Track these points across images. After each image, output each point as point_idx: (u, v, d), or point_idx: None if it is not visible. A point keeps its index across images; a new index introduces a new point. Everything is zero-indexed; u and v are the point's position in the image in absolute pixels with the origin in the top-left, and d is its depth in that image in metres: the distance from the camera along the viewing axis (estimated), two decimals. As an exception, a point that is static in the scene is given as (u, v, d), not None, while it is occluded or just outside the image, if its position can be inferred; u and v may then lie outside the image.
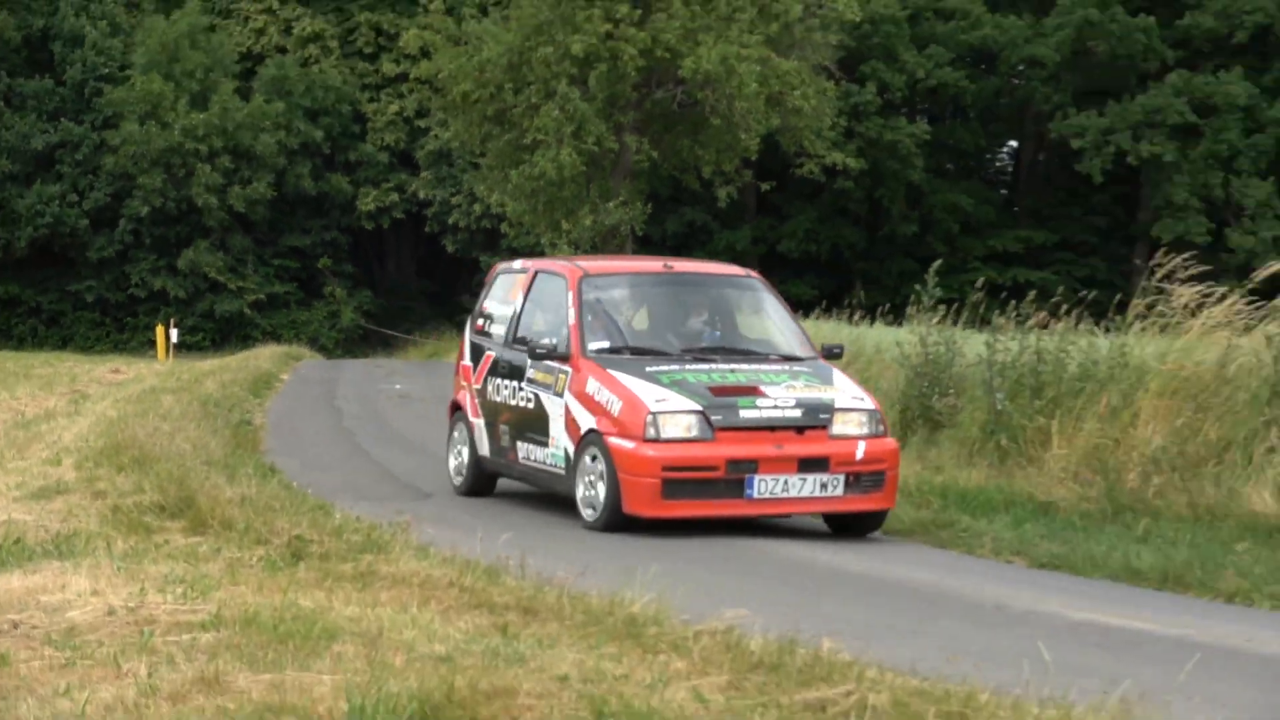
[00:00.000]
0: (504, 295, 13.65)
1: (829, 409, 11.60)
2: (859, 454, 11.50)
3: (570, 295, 12.52)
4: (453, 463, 13.80)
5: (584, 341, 12.19)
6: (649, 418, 11.36)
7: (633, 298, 13.04)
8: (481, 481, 13.54)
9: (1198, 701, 6.33)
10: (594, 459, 11.73)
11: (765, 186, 39.40)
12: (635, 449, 11.39)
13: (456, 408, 13.85)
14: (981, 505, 12.46)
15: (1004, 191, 54.63)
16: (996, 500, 12.60)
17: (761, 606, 7.37)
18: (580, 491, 11.88)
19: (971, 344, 15.73)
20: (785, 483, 11.37)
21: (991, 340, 14.57)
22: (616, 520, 11.46)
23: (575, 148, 31.90)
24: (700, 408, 11.43)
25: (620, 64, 31.92)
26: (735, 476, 11.32)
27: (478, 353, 13.57)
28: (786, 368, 12.13)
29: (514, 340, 13.05)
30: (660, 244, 44.65)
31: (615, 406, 11.64)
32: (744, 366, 12.07)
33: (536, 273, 13.38)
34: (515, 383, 12.81)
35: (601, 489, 11.62)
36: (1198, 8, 46.96)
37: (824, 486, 11.44)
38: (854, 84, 44.84)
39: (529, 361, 12.53)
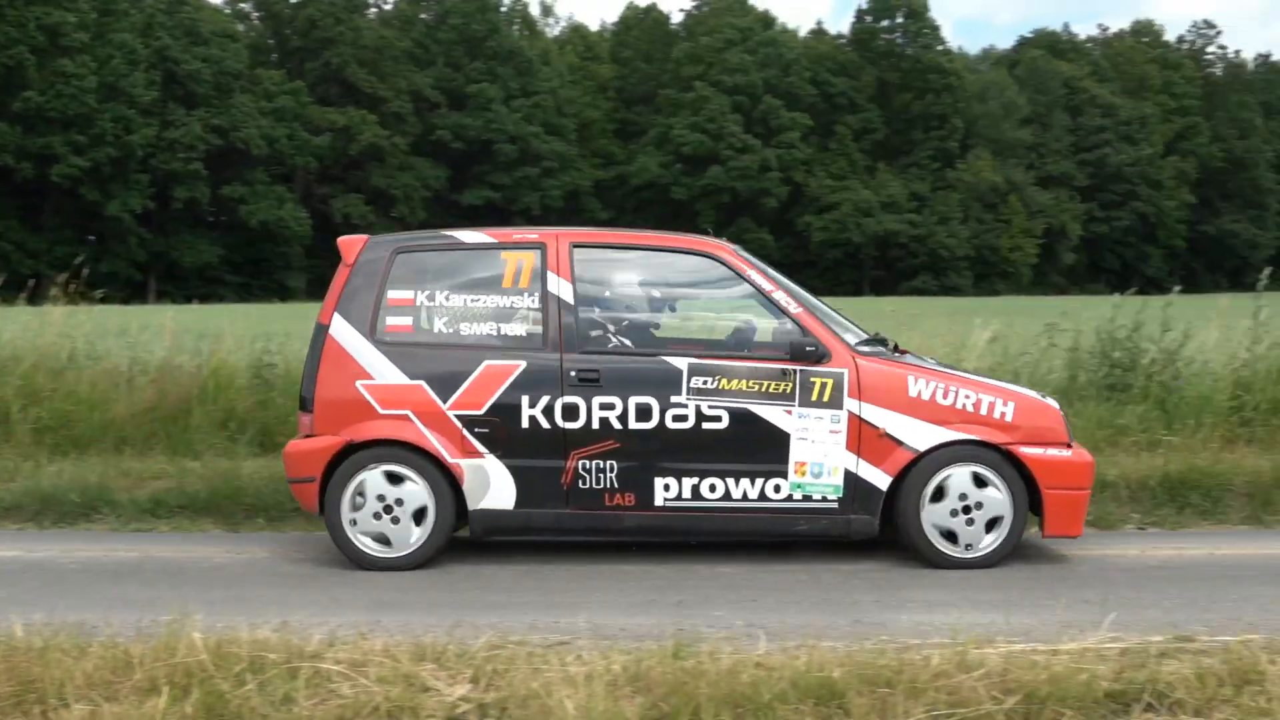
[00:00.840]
0: (467, 284, 9.96)
1: None
2: None
3: (753, 273, 9.97)
4: (372, 526, 9.76)
5: (833, 331, 9.88)
6: (1062, 417, 9.88)
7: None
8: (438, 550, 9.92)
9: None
10: (968, 478, 9.64)
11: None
12: (1070, 457, 9.70)
13: (358, 447, 9.79)
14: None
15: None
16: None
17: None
18: (934, 522, 9.64)
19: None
20: None
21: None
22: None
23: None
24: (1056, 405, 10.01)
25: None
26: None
27: (446, 363, 9.80)
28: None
29: (581, 341, 9.79)
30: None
31: (1000, 408, 9.69)
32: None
33: (576, 247, 10.02)
34: (644, 399, 9.68)
35: (1008, 520, 9.66)
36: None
37: None
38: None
39: (687, 365, 9.68)
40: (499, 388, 9.67)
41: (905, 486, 9.60)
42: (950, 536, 9.64)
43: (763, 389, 9.65)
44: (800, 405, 9.62)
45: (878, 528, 9.62)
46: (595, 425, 9.60)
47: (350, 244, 9.98)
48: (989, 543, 9.63)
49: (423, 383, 9.67)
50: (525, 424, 9.60)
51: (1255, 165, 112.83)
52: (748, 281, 9.93)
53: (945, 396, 9.67)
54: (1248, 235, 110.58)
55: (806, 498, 9.63)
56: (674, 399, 9.58)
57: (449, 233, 10.20)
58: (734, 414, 9.58)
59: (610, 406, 9.60)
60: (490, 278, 9.88)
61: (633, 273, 10.10)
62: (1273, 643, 6.84)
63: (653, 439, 9.58)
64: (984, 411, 9.67)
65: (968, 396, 9.70)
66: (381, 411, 9.64)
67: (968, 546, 9.63)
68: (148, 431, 13.06)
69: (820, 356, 9.65)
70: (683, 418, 9.58)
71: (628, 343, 9.82)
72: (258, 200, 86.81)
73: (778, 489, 9.62)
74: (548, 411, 9.59)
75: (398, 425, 9.59)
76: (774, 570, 9.49)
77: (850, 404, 9.58)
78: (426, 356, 9.74)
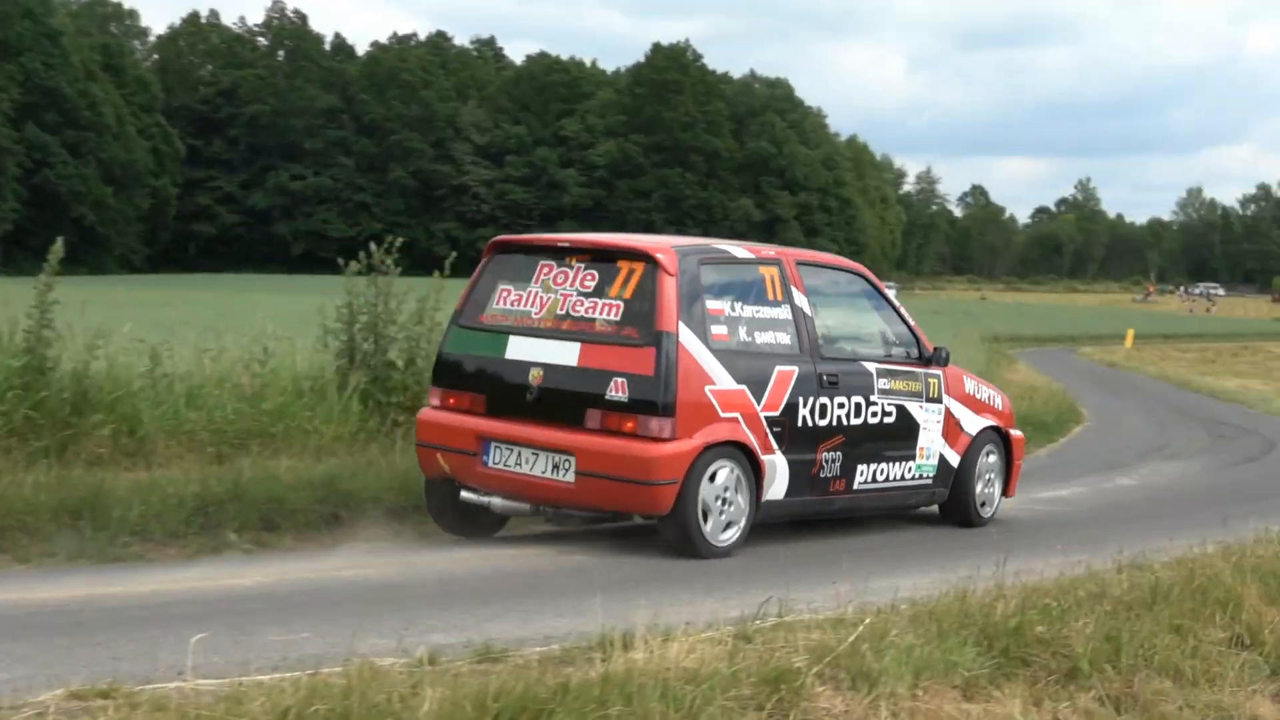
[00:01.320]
0: (737, 293, 11.10)
1: None
2: None
3: (885, 291, 12.45)
4: (712, 523, 10.57)
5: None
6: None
7: None
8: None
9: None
10: (990, 455, 12.82)
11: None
12: (1022, 435, 13.42)
13: (700, 450, 10.49)
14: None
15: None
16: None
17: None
18: (979, 489, 12.70)
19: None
20: None
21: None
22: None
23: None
24: None
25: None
26: None
27: (755, 370, 10.89)
28: None
29: (811, 348, 11.32)
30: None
31: (997, 401, 13.08)
32: None
33: (798, 264, 11.65)
34: (859, 399, 11.55)
35: (998, 484, 12.95)
36: None
37: None
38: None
39: (876, 369, 11.80)
40: (786, 391, 11.02)
41: (964, 463, 12.53)
42: (982, 504, 12.75)
43: (910, 388, 12.05)
44: (925, 401, 12.16)
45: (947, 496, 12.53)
46: (834, 422, 11.32)
47: (668, 254, 10.69)
48: (995, 502, 12.93)
49: (745, 387, 10.76)
50: (799, 423, 11.08)
51: None
52: (882, 295, 12.35)
53: (978, 392, 12.81)
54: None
55: (919, 476, 12.17)
56: (871, 398, 11.64)
57: (720, 245, 11.54)
58: (899, 410, 11.90)
59: (842, 406, 11.41)
60: (758, 290, 11.19)
61: (826, 287, 11.98)
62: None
63: (861, 432, 11.53)
64: (993, 403, 12.94)
65: (984, 391, 12.92)
66: (721, 415, 10.58)
67: (983, 505, 12.76)
68: None
69: (931, 360, 12.29)
70: (876, 414, 11.67)
71: (848, 349, 11.77)
72: None
73: (909, 470, 12.07)
74: (811, 411, 11.16)
75: (733, 427, 10.60)
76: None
77: (946, 399, 12.36)
78: (742, 363, 10.80)
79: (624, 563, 10.20)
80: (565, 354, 10.63)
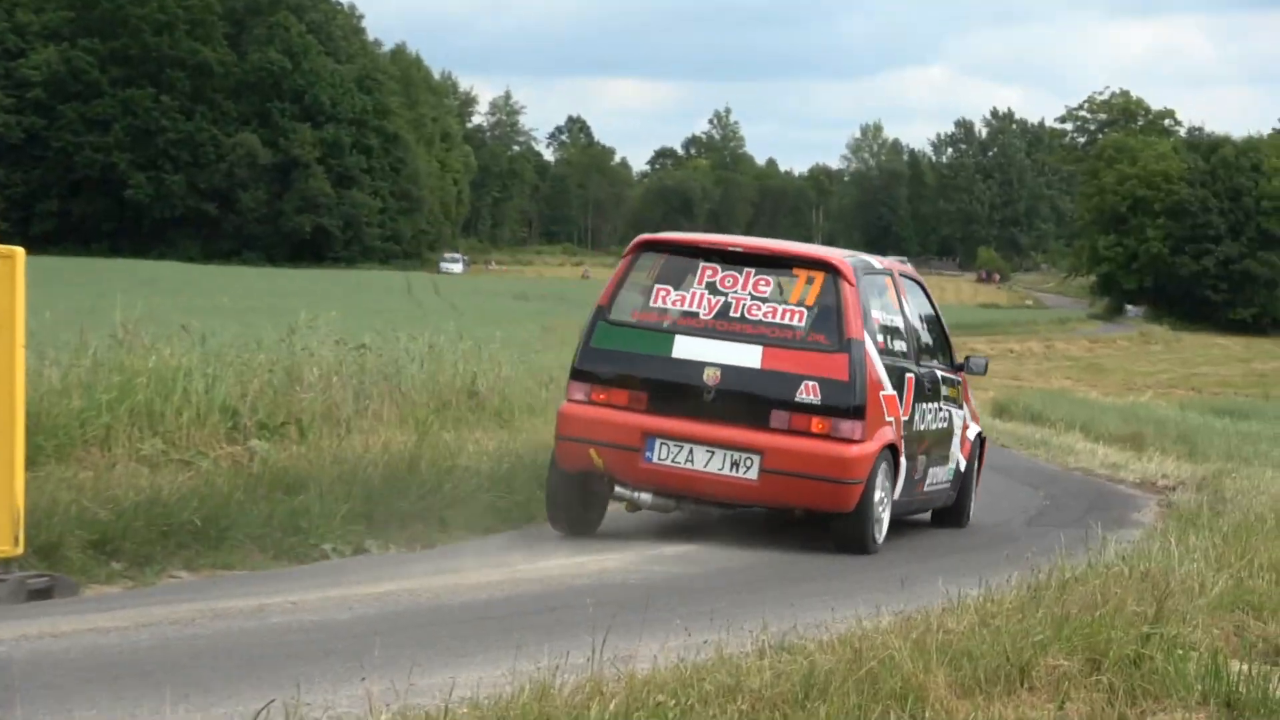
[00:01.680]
0: (881, 302, 16.35)
1: None
2: None
3: (931, 300, 18.02)
4: (877, 529, 15.82)
5: None
6: None
7: None
8: None
9: None
10: (977, 460, 18.65)
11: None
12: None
13: (879, 451, 15.55)
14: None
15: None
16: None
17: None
18: (974, 498, 18.83)
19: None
20: None
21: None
22: None
23: None
24: None
25: None
26: None
27: (897, 376, 16.03)
28: None
29: (917, 354, 16.90)
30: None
31: (974, 405, 18.89)
32: None
33: (898, 275, 17.33)
34: (935, 404, 17.11)
35: (976, 489, 18.86)
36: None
37: None
38: None
39: (940, 376, 17.40)
40: (912, 396, 16.31)
41: (968, 468, 18.28)
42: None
43: (953, 395, 17.78)
44: (956, 407, 17.82)
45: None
46: (922, 426, 16.62)
47: (845, 265, 15.76)
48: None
49: (896, 393, 15.86)
50: (914, 426, 16.37)
51: None
52: (931, 303, 17.95)
53: (971, 400, 18.47)
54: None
55: (947, 480, 17.76)
56: (939, 404, 17.21)
57: (861, 255, 17.00)
58: (950, 415, 17.57)
59: (930, 411, 16.86)
60: (887, 299, 16.51)
61: (904, 295, 17.12)
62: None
63: (934, 436, 17.01)
64: (978, 410, 19.85)
65: (972, 398, 18.59)
66: (886, 418, 15.59)
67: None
68: None
69: (960, 367, 18.12)
70: (943, 419, 17.32)
71: (928, 358, 17.26)
72: None
73: (946, 473, 17.65)
74: (920, 416, 16.52)
75: (890, 429, 15.64)
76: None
77: (965, 406, 18.17)
78: (891, 369, 15.88)
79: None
80: (745, 356, 15.20)
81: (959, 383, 18.12)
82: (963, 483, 18.28)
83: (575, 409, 15.46)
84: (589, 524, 15.89)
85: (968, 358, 18.42)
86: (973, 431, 18.61)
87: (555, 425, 15.77)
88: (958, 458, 18.02)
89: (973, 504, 18.82)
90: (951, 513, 18.35)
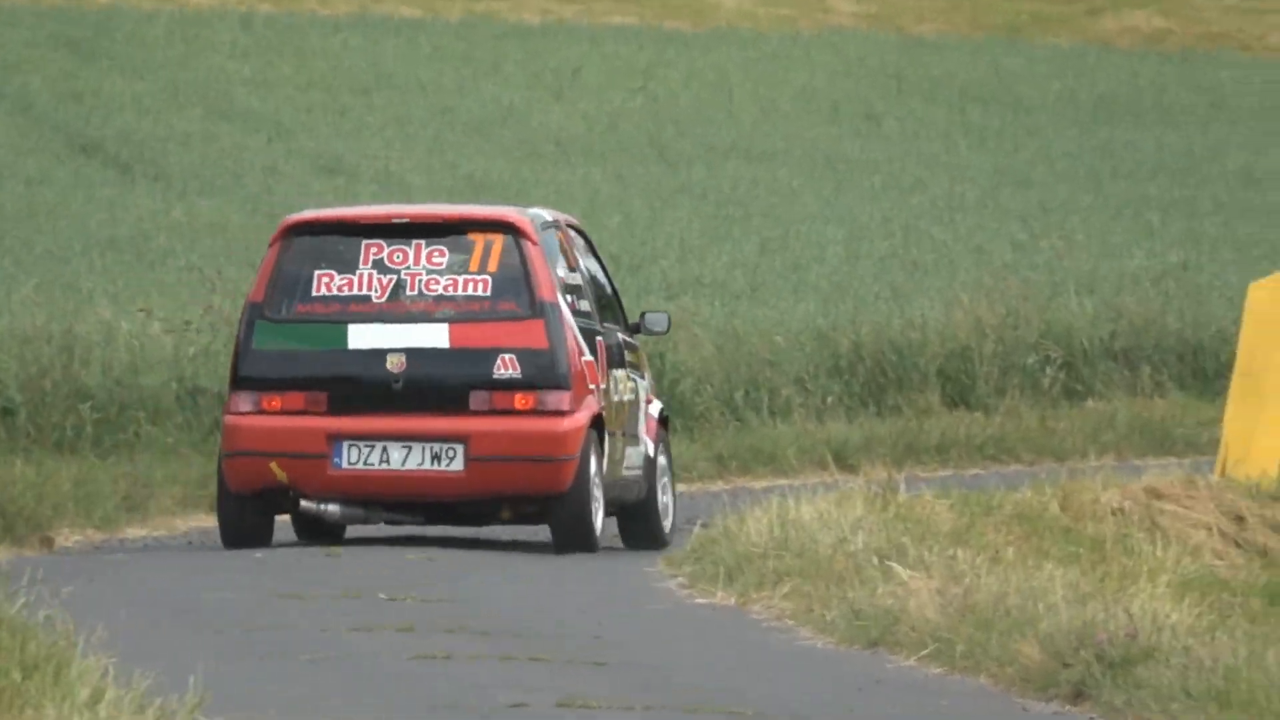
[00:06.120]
0: (561, 260, 14.61)
1: None
2: None
3: (597, 253, 15.22)
4: (596, 514, 14.36)
5: None
6: None
7: None
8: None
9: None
10: (664, 452, 15.65)
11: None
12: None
13: (589, 422, 14.20)
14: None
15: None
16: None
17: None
18: (664, 498, 15.47)
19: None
20: None
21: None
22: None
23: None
24: None
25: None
26: None
27: (589, 340, 14.49)
28: None
29: (599, 315, 14.99)
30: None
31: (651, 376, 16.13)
32: None
33: (564, 226, 15.07)
34: (623, 371, 15.25)
35: (671, 489, 15.18)
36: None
37: None
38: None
39: (622, 340, 15.30)
40: (605, 361, 15.08)
41: (657, 454, 15.57)
42: None
43: (635, 361, 15.82)
44: (641, 377, 15.98)
45: None
46: (617, 398, 15.20)
47: (524, 220, 14.37)
48: None
49: (593, 359, 14.75)
50: (611, 396, 15.04)
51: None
52: (597, 256, 15.55)
53: (648, 370, 16.17)
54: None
55: (639, 462, 15.43)
56: (625, 372, 15.44)
57: (537, 210, 15.30)
58: (636, 386, 15.65)
59: (617, 380, 15.27)
60: (557, 256, 14.83)
61: (576, 250, 15.31)
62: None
63: (626, 410, 15.22)
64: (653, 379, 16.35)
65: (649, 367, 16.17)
66: (589, 386, 14.18)
67: None
68: None
69: (636, 329, 15.58)
70: (630, 390, 15.39)
71: (612, 321, 15.65)
72: None
73: (637, 454, 15.44)
74: (611, 384, 15.22)
75: (594, 399, 14.42)
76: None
77: (646, 375, 16.27)
78: (585, 333, 14.58)
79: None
80: (431, 336, 13.84)
81: (638, 347, 16.00)
82: (652, 476, 15.45)
83: (244, 420, 13.96)
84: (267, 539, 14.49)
85: (643, 314, 15.79)
86: (655, 407, 16.05)
87: (220, 443, 14.39)
88: (645, 440, 15.62)
89: (674, 511, 15.80)
90: (643, 517, 15.48)
